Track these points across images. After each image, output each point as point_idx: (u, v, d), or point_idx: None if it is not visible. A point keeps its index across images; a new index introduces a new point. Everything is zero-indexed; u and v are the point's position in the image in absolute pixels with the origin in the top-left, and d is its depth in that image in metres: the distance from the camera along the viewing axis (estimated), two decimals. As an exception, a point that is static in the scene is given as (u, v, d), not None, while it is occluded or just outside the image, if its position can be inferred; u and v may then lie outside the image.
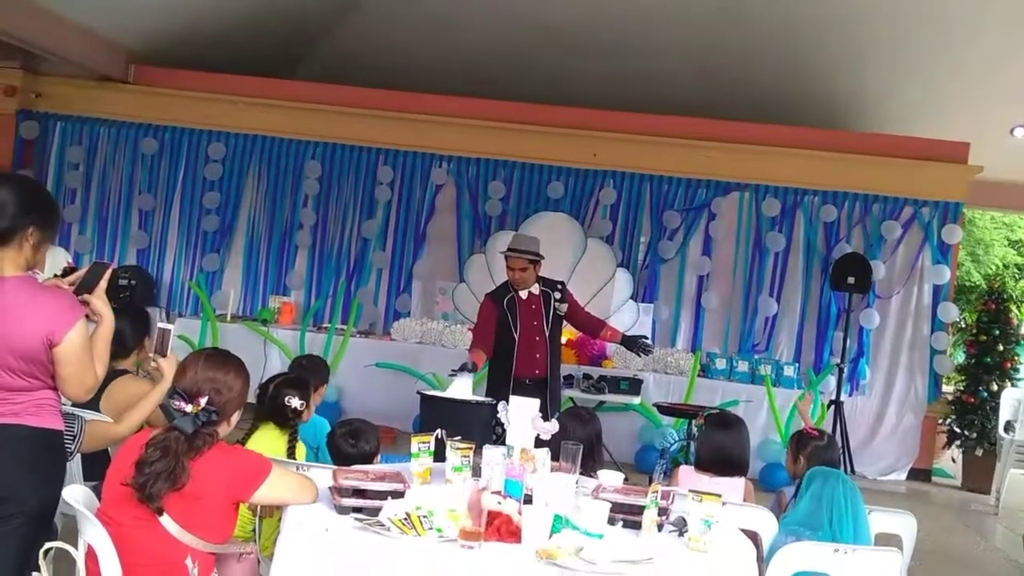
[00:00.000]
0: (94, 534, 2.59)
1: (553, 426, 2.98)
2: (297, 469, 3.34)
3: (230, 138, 9.76)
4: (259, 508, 3.18)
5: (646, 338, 6.37)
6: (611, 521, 2.79)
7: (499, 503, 2.67)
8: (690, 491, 2.78)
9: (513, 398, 3.03)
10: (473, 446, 3.17)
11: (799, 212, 9.31)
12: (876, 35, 9.21)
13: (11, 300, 2.84)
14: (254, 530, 3.28)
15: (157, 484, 2.61)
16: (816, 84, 9.72)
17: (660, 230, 9.44)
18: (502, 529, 2.63)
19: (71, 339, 2.84)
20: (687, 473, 3.81)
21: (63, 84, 9.75)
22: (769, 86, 9.76)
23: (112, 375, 3.83)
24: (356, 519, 2.71)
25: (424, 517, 2.58)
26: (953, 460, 9.44)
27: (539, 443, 3.17)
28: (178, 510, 2.64)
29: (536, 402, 3.02)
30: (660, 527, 2.89)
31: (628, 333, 6.45)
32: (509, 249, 5.96)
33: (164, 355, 3.26)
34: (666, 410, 6.89)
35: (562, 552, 2.51)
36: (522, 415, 2.98)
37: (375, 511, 2.72)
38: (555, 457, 3.27)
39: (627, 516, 2.91)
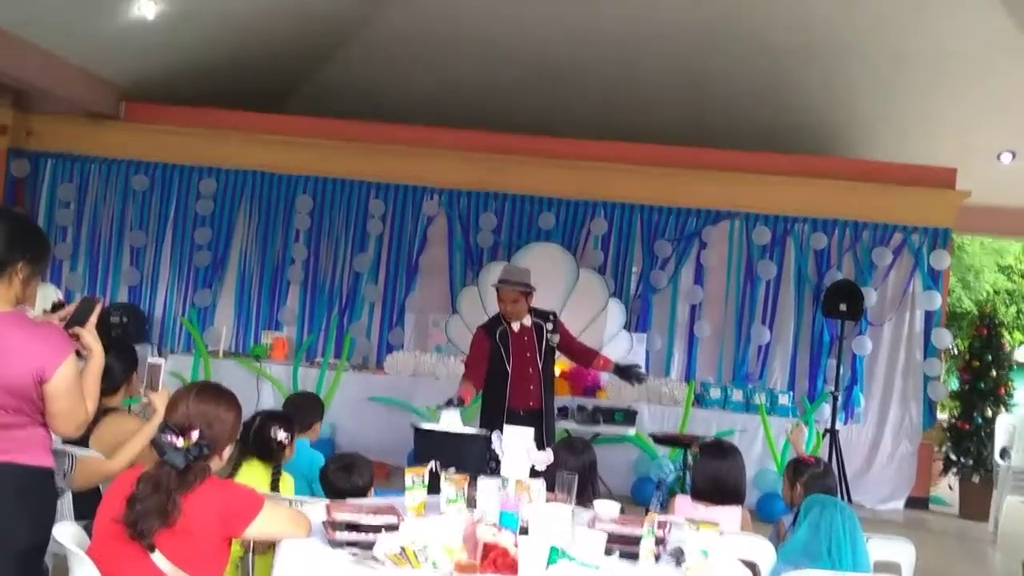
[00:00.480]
0: (84, 572, 2.55)
1: (548, 456, 2.96)
2: (291, 504, 3.31)
3: (221, 174, 9.76)
4: (252, 545, 3.15)
5: (639, 366, 6.36)
6: (608, 552, 2.77)
7: (495, 535, 2.64)
8: (687, 520, 2.76)
9: (507, 427, 3.01)
10: (468, 477, 3.14)
11: (790, 240, 9.34)
12: (864, 62, 9.31)
13: (5, 336, 2.82)
14: (238, 567, 3.24)
15: (148, 520, 2.58)
16: (804, 111, 9.81)
17: (652, 260, 9.45)
18: (498, 561, 2.60)
19: (61, 375, 2.82)
20: (684, 503, 3.79)
21: (54, 121, 9.74)
22: (757, 114, 9.85)
23: (101, 413, 3.80)
24: (351, 553, 2.68)
25: (419, 550, 2.55)
26: (950, 487, 9.40)
27: (534, 474, 3.15)
28: (170, 546, 2.60)
29: (530, 431, 3.00)
30: (657, 557, 2.87)
31: (621, 363, 6.44)
32: (500, 281, 5.96)
33: (155, 390, 3.24)
34: (661, 440, 6.88)
35: (559, 584, 2.48)
36: (516, 445, 2.95)
37: (369, 545, 2.69)
38: (551, 488, 3.24)
39: (624, 546, 2.88)
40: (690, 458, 3.77)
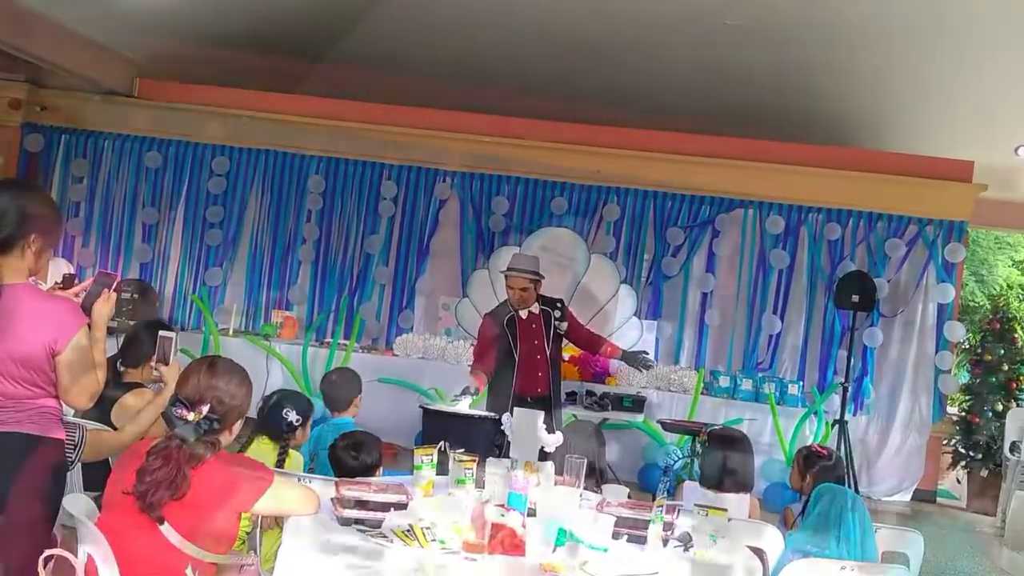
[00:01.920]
0: (94, 543, 2.56)
1: (558, 438, 2.96)
2: (299, 480, 3.31)
3: (234, 152, 9.76)
4: (260, 520, 3.16)
5: (647, 353, 6.34)
6: (615, 535, 2.76)
7: (503, 516, 2.63)
8: (696, 505, 2.75)
9: (516, 410, 3.00)
10: (476, 458, 3.14)
11: (803, 230, 9.29)
12: (882, 53, 9.19)
13: (13, 307, 2.82)
14: (244, 541, 3.25)
15: (158, 493, 2.59)
16: (822, 101, 9.71)
17: (664, 247, 9.41)
18: (505, 542, 2.60)
19: (73, 347, 2.82)
20: (692, 489, 3.78)
21: (68, 97, 9.76)
22: (774, 103, 9.75)
23: (125, 387, 3.83)
24: (359, 530, 2.68)
25: (427, 529, 2.55)
26: (958, 481, 9.38)
27: (542, 456, 3.14)
28: (179, 519, 2.61)
29: (540, 413, 2.99)
30: (665, 542, 2.86)
31: (628, 349, 6.44)
32: (509, 268, 5.95)
33: (166, 363, 3.24)
34: (670, 427, 6.85)
35: (566, 566, 2.48)
36: (526, 427, 2.95)
37: (378, 523, 2.69)
38: (559, 471, 3.24)
39: (632, 530, 2.87)
40: (698, 446, 3.75)
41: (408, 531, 2.55)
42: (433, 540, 2.54)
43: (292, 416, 3.85)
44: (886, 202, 9.16)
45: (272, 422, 3.86)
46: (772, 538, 3.34)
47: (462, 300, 9.38)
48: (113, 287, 3.06)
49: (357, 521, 2.74)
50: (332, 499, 2.89)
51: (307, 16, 9.50)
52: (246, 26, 9.21)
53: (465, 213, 9.64)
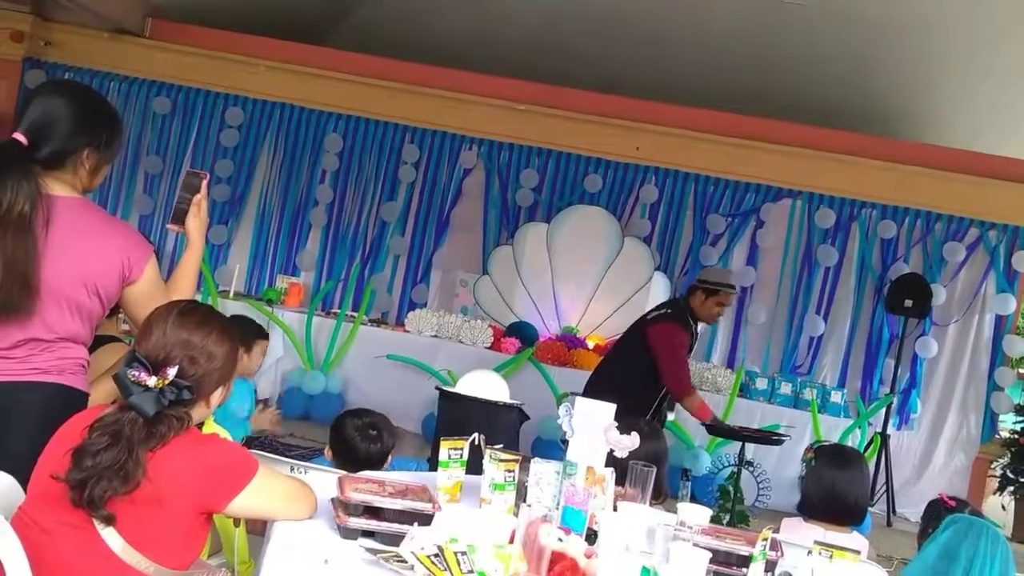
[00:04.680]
0: (4, 543, 1.88)
1: (633, 440, 2.28)
2: (292, 471, 2.64)
3: (248, 103, 9.09)
4: (243, 523, 2.48)
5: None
6: (713, 577, 2.10)
7: (561, 540, 1.97)
8: (817, 543, 2.07)
9: (579, 399, 2.33)
10: (520, 458, 2.47)
11: (855, 226, 8.58)
12: (948, 42, 8.50)
13: (74, 221, 2.34)
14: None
15: (102, 483, 1.91)
16: (880, 89, 9.01)
17: (703, 234, 8.72)
18: (564, 577, 1.93)
19: (148, 276, 2.40)
20: (794, 525, 3.08)
21: (74, 33, 9.11)
22: (829, 88, 9.05)
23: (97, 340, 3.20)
24: (367, 549, 2.01)
25: (462, 554, 1.87)
26: (1003, 508, 8.69)
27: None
28: (127, 520, 1.94)
29: (612, 407, 2.32)
30: (764, 586, 2.19)
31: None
32: (729, 285, 5.81)
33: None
34: (715, 430, 6.14)
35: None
36: (591, 422, 2.27)
37: (394, 539, 2.02)
38: (619, 481, 2.57)
39: (722, 568, 2.21)
40: (802, 466, 3.09)
41: (437, 556, 1.87)
42: (470, 572, 1.86)
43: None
44: (946, 201, 8.44)
45: None
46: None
47: (482, 277, 8.72)
48: (204, 187, 2.63)
49: (365, 534, 2.07)
50: (332, 500, 2.23)
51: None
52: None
53: (491, 184, 8.95)
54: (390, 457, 3.44)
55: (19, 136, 2.42)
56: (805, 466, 3.18)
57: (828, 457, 3.21)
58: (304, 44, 9.22)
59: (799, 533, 2.89)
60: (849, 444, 7.42)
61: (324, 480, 2.42)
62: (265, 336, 4.73)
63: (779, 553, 2.23)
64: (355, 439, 3.24)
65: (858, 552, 2.09)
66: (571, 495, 2.21)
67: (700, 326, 6.05)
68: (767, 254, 8.70)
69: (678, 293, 8.71)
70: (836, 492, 3.09)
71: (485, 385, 4.57)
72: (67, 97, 2.51)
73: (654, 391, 5.61)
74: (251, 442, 4.46)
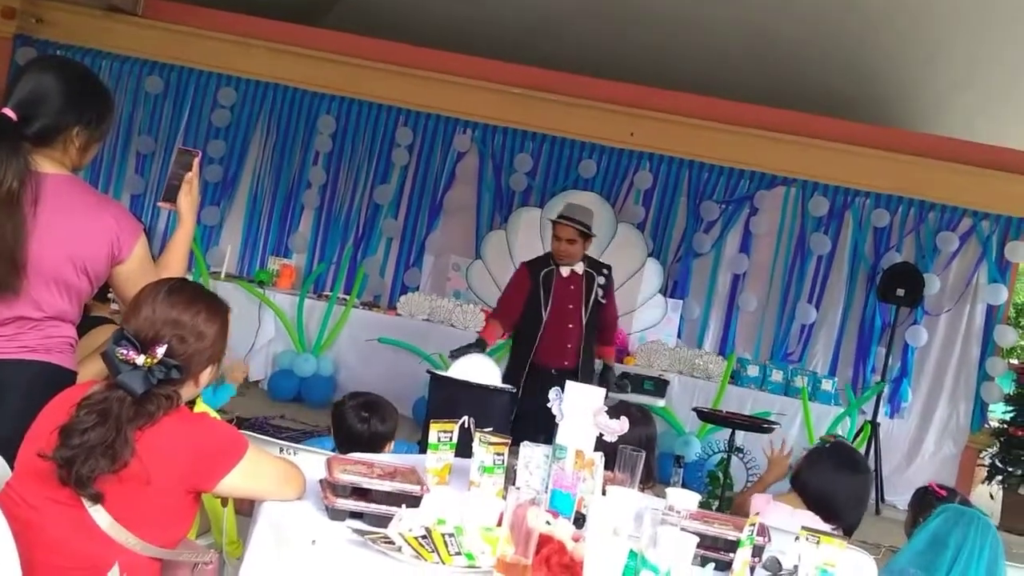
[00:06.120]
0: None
1: (622, 425, 2.27)
2: (281, 451, 2.64)
3: (241, 83, 9.03)
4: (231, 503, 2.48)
5: (621, 379, 5.79)
6: (702, 561, 2.10)
7: (549, 524, 1.96)
8: (804, 529, 2.07)
9: (570, 383, 2.32)
10: (509, 441, 2.47)
11: (848, 214, 8.58)
12: (944, 31, 8.49)
13: (63, 199, 2.32)
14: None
15: (90, 462, 1.90)
16: (876, 77, 9.00)
17: (696, 221, 8.70)
18: (551, 560, 1.93)
19: (138, 255, 2.38)
20: (761, 503, 3.03)
21: (66, 11, 9.02)
22: (825, 75, 9.04)
23: (91, 321, 3.19)
24: (355, 530, 2.00)
25: (450, 536, 1.87)
26: (991, 497, 8.72)
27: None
28: (115, 498, 1.93)
29: (602, 391, 2.31)
30: (752, 570, 2.19)
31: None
32: (560, 216, 5.26)
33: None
34: (706, 416, 6.14)
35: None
36: (581, 406, 2.27)
37: (382, 520, 2.02)
38: (608, 466, 2.57)
39: (709, 552, 2.21)
40: (813, 454, 2.99)
41: (424, 538, 1.87)
42: (458, 554, 1.86)
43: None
44: (940, 191, 8.43)
45: None
46: (868, 570, 2.66)
47: (475, 262, 8.70)
48: (197, 165, 2.62)
49: (353, 515, 2.07)
50: (321, 481, 2.22)
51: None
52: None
53: (485, 169, 8.92)
54: (391, 445, 3.44)
55: (8, 112, 2.39)
56: (813, 455, 3.11)
57: (840, 456, 3.08)
58: (298, 25, 9.15)
59: (766, 511, 2.86)
60: (839, 432, 7.46)
61: (313, 461, 2.42)
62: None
63: (766, 538, 2.23)
64: (348, 418, 3.25)
65: (845, 538, 2.09)
66: (560, 479, 2.20)
67: (574, 268, 5.33)
68: (760, 241, 8.69)
69: (671, 280, 8.73)
70: (836, 495, 2.98)
71: (477, 369, 4.56)
72: (58, 73, 2.48)
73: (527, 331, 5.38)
74: (242, 423, 4.46)
